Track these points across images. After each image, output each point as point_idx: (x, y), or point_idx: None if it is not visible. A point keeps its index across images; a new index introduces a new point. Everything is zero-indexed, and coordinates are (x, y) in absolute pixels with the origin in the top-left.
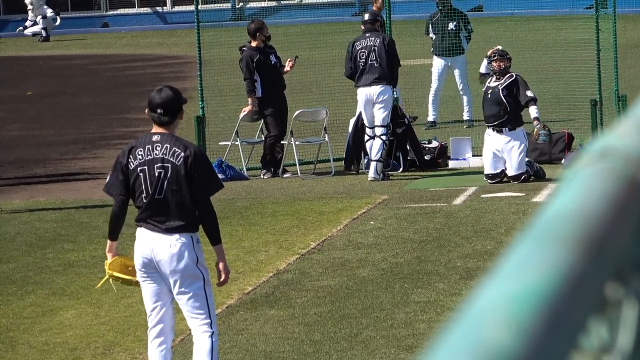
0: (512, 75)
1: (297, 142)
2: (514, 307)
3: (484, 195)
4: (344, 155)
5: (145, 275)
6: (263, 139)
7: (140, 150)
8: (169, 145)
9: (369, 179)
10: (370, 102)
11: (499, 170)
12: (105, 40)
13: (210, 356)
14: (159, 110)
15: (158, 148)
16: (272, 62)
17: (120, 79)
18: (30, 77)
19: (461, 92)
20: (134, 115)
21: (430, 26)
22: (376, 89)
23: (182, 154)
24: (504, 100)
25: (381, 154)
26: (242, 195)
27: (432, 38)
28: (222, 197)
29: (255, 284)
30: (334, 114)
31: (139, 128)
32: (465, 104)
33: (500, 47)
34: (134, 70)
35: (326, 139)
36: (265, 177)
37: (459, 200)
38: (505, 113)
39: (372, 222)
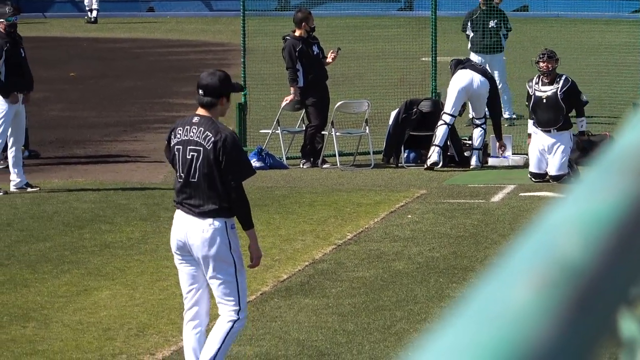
0: (567, 79)
1: (337, 133)
2: (587, 223)
3: (522, 194)
4: (384, 145)
5: (180, 258)
6: (304, 128)
7: (180, 129)
8: (203, 129)
9: (471, 167)
10: (469, 88)
11: (543, 171)
12: (150, 24)
13: (223, 337)
14: (200, 91)
15: (194, 130)
16: (315, 53)
17: (164, 64)
18: (74, 59)
19: (500, 90)
20: (175, 100)
21: (469, 23)
22: (481, 78)
23: (213, 138)
24: (563, 105)
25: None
26: (281, 184)
27: (468, 36)
28: (261, 185)
29: (291, 272)
30: (376, 107)
31: (180, 113)
32: (504, 102)
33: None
34: (177, 55)
35: (367, 131)
36: (304, 166)
37: (497, 198)
38: (563, 117)
39: (410, 216)
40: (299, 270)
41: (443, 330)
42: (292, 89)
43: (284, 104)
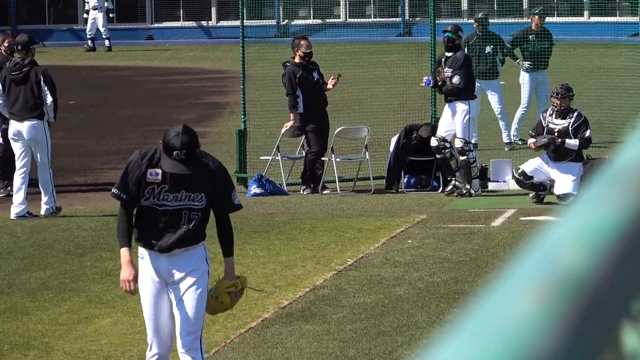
0: (579, 115)
1: (337, 159)
2: (590, 236)
3: (523, 218)
4: (385, 174)
5: None
6: (304, 154)
7: None
8: None
9: (474, 194)
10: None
11: (535, 180)
12: (149, 52)
13: None
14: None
15: None
16: (315, 79)
17: (163, 92)
18: (74, 87)
19: (499, 117)
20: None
21: (466, 49)
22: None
23: None
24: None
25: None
26: (281, 210)
27: None
28: (261, 212)
29: (292, 299)
30: (375, 133)
31: None
32: (503, 128)
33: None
34: (176, 83)
35: (367, 156)
36: (304, 192)
37: (497, 222)
38: (574, 152)
39: (410, 241)
40: (300, 296)
41: (446, 342)
42: (292, 115)
43: (284, 130)
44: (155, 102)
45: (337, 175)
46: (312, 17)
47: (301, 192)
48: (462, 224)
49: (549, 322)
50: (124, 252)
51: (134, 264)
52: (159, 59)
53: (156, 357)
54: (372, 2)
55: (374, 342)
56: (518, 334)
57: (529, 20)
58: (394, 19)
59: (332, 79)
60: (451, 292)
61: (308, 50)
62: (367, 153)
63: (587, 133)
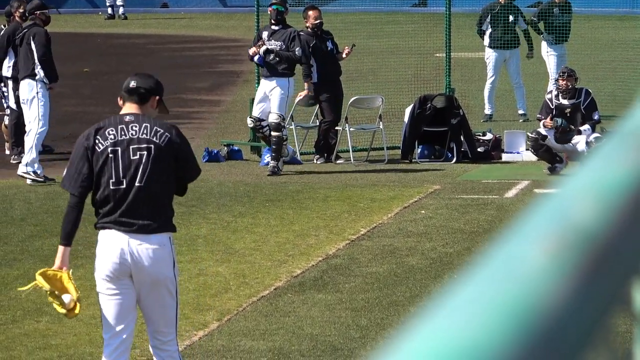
0: (588, 92)
1: (351, 129)
2: (602, 191)
3: (536, 190)
4: (401, 145)
5: (114, 287)
6: (318, 124)
7: (112, 130)
8: (149, 125)
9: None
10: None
11: (549, 143)
12: (164, 20)
13: None
14: (132, 84)
15: (135, 127)
16: (329, 48)
17: (178, 60)
18: (89, 54)
19: (515, 86)
20: (189, 95)
21: (489, 18)
22: None
23: (166, 133)
24: (585, 115)
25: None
26: (295, 179)
27: (483, 32)
28: (275, 180)
29: (304, 268)
30: (390, 103)
31: (194, 108)
32: (518, 99)
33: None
34: (191, 51)
35: (380, 126)
36: (318, 162)
37: (511, 193)
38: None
39: (423, 211)
40: (313, 265)
41: (460, 288)
42: (306, 84)
43: (298, 99)
44: (169, 70)
45: (351, 145)
46: None
47: (315, 161)
48: (475, 194)
49: (559, 273)
50: None
51: None
52: (174, 27)
53: None
54: None
55: (386, 312)
56: (530, 283)
57: None
58: None
59: (346, 49)
60: (464, 262)
61: (316, 22)
62: (380, 123)
63: (596, 116)
